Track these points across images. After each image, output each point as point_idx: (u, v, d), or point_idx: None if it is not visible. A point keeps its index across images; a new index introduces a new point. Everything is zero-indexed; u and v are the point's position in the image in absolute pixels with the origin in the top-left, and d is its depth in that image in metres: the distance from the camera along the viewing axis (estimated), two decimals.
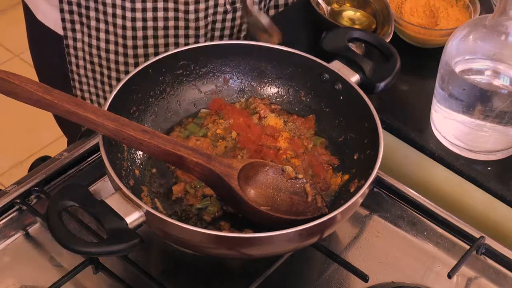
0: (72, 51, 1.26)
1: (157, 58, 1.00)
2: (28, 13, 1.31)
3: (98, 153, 1.02)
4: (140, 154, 0.98)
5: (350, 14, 1.20)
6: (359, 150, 0.98)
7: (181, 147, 0.89)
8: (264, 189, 0.93)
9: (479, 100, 1.00)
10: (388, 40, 1.11)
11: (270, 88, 1.07)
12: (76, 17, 1.21)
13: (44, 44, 1.34)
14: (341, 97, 1.02)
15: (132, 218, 0.83)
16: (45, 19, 1.27)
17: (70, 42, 1.24)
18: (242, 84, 1.07)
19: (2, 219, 0.97)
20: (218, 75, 1.06)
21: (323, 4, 1.19)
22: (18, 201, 0.97)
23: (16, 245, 0.96)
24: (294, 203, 0.93)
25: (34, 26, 1.32)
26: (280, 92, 1.07)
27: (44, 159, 1.07)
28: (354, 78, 1.02)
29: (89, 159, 1.04)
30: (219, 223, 0.93)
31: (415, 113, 1.12)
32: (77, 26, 1.22)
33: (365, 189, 0.88)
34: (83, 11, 1.19)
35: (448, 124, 1.06)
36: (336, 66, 1.03)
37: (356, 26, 1.18)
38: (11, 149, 2.31)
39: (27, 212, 0.97)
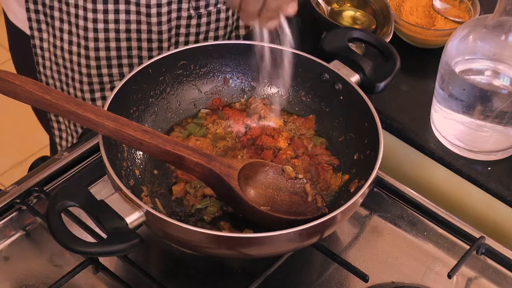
0: (39, 51, 1.25)
1: (157, 58, 1.00)
2: (4, 15, 1.31)
3: (98, 153, 1.02)
4: (140, 154, 0.98)
5: (350, 14, 1.20)
6: (359, 150, 0.98)
7: (181, 147, 0.89)
8: (264, 189, 0.93)
9: (479, 100, 1.00)
10: (388, 40, 1.11)
11: (270, 88, 1.07)
12: (41, 17, 1.20)
13: (18, 45, 1.33)
14: (341, 97, 1.02)
15: (132, 218, 0.83)
16: (15, 19, 1.27)
17: (37, 42, 1.23)
18: (242, 84, 1.07)
19: (2, 219, 0.97)
20: (218, 75, 1.06)
21: (323, 4, 1.19)
22: (18, 201, 0.97)
23: (16, 245, 0.96)
24: (294, 203, 0.93)
25: (8, 27, 1.31)
26: (280, 92, 1.07)
27: (44, 159, 1.07)
28: (354, 78, 1.02)
29: (89, 159, 1.04)
30: (219, 223, 0.93)
31: (415, 113, 1.12)
32: (43, 26, 1.21)
33: (365, 189, 0.88)
34: (48, 10, 1.18)
35: (448, 124, 1.06)
36: (336, 66, 1.03)
37: (356, 26, 1.18)
38: (11, 149, 2.31)
39: (27, 212, 0.97)
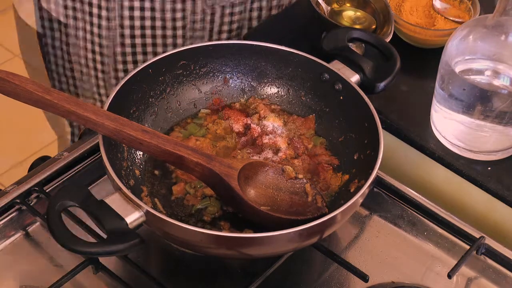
0: (50, 49, 1.25)
1: (157, 58, 1.00)
2: (15, 11, 1.32)
3: (98, 153, 1.02)
4: (140, 154, 0.98)
5: (350, 14, 1.20)
6: (359, 150, 0.98)
7: (181, 147, 0.89)
8: (264, 189, 0.93)
9: (479, 100, 1.00)
10: (388, 40, 1.11)
11: (270, 88, 1.07)
12: (54, 15, 1.20)
13: (29, 43, 1.34)
14: (341, 97, 1.02)
15: (132, 218, 0.83)
16: (27, 17, 1.27)
17: (49, 40, 1.24)
18: (242, 84, 1.07)
19: (2, 219, 0.97)
20: (218, 75, 1.06)
21: (323, 4, 1.19)
22: (18, 201, 0.97)
23: (16, 245, 0.96)
24: (294, 203, 0.93)
25: (19, 24, 1.32)
26: (280, 92, 1.07)
27: (44, 159, 1.07)
28: (354, 78, 1.02)
29: (89, 159, 1.04)
30: (219, 223, 0.93)
31: (415, 113, 1.12)
32: (55, 25, 1.21)
33: (365, 189, 0.88)
34: (61, 9, 1.19)
35: (448, 124, 1.06)
36: (336, 66, 1.03)
37: (356, 26, 1.17)
38: (11, 149, 2.31)
39: (27, 212, 0.97)
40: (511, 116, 1.00)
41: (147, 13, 1.17)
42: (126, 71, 1.24)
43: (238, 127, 1.03)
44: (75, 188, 0.85)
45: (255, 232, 0.89)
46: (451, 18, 1.20)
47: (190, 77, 1.05)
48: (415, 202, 1.02)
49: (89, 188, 0.91)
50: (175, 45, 1.21)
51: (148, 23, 1.18)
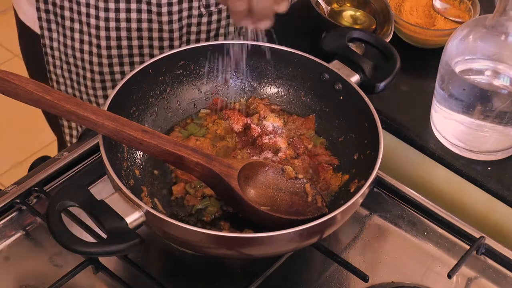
0: (49, 50, 1.25)
1: (157, 58, 1.00)
2: (15, 13, 1.32)
3: (98, 153, 1.02)
4: (140, 154, 0.98)
5: (350, 14, 1.20)
6: (359, 150, 0.98)
7: (181, 147, 0.89)
8: (264, 189, 0.93)
9: (479, 100, 1.00)
10: (388, 40, 1.11)
11: (270, 88, 1.07)
12: (51, 16, 1.20)
13: (28, 44, 1.34)
14: (341, 97, 1.02)
15: (132, 218, 0.83)
16: (26, 18, 1.27)
17: (47, 41, 1.24)
18: (242, 84, 1.07)
19: (2, 219, 0.97)
20: (218, 75, 1.06)
21: (323, 4, 1.19)
22: (18, 201, 0.97)
23: (16, 245, 0.96)
24: (294, 203, 0.93)
25: (18, 25, 1.32)
26: (280, 92, 1.07)
27: (44, 159, 1.07)
28: (354, 78, 1.02)
29: (89, 159, 1.04)
30: (219, 223, 0.93)
31: (415, 113, 1.12)
32: (53, 26, 1.21)
33: (365, 189, 0.88)
34: (58, 10, 1.19)
35: (448, 124, 1.06)
36: (336, 66, 1.03)
37: (356, 26, 1.18)
38: (11, 149, 2.31)
39: (27, 212, 0.97)
40: (511, 116, 1.00)
41: (144, 15, 1.17)
42: (123, 73, 1.24)
43: (238, 127, 1.03)
44: (75, 188, 0.85)
45: (255, 232, 0.89)
46: (451, 18, 1.20)
47: (190, 77, 1.05)
48: (415, 202, 1.02)
49: (89, 188, 0.91)
50: (171, 47, 1.21)
51: (145, 25, 1.18)
